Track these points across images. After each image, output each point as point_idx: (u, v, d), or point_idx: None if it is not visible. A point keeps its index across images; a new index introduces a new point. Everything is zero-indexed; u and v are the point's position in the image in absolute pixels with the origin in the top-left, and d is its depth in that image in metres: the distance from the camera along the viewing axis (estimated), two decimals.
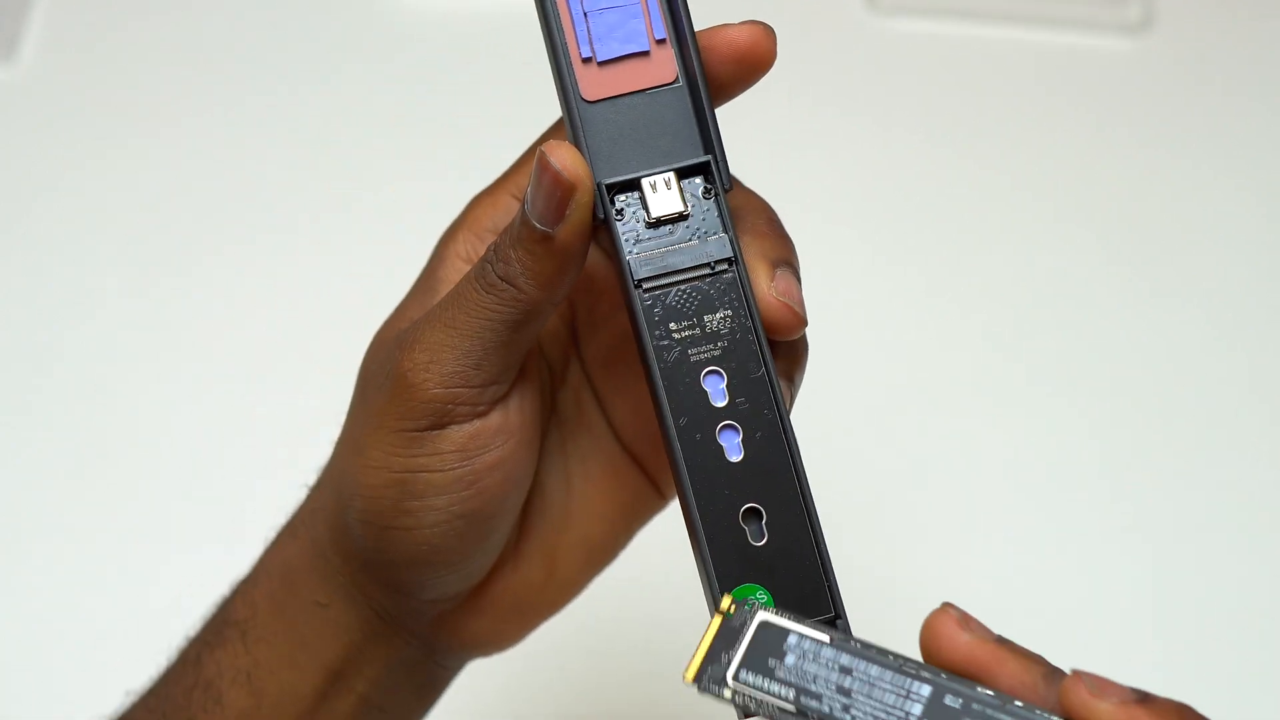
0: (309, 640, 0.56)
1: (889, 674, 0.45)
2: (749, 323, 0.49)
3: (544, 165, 0.48)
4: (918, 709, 0.44)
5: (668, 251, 0.49)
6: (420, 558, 0.52)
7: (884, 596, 0.84)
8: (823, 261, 0.95)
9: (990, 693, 0.44)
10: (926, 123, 1.00)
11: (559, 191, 0.48)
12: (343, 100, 0.99)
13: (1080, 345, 0.92)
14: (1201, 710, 0.85)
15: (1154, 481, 0.88)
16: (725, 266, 0.49)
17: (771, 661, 0.45)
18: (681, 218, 0.49)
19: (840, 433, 0.89)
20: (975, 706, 0.43)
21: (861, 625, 0.83)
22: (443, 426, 0.51)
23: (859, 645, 0.45)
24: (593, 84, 0.50)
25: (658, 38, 0.50)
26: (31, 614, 0.83)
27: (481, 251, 0.52)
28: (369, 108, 0.99)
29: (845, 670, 0.45)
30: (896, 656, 0.45)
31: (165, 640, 0.59)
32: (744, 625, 0.46)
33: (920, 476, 0.88)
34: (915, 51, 1.02)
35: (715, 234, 0.49)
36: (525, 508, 0.55)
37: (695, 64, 0.49)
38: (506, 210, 0.53)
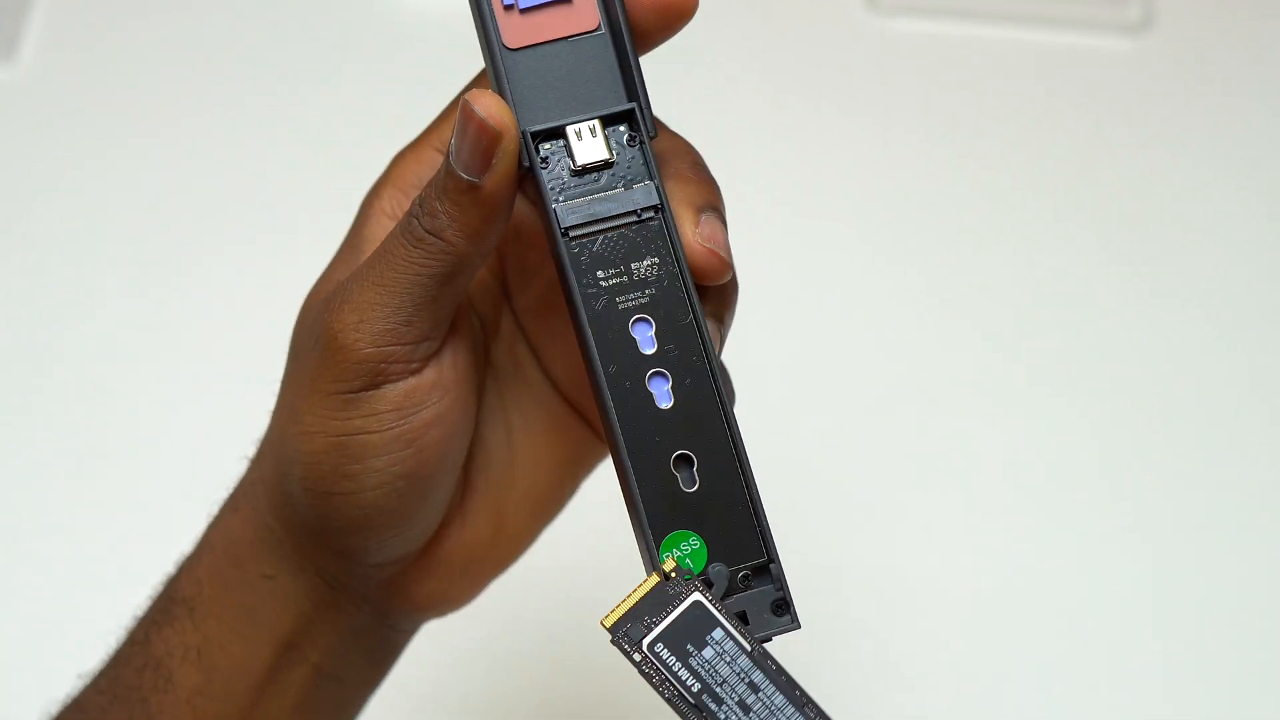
0: (257, 613, 0.55)
1: (790, 709, 0.45)
2: (676, 269, 0.49)
3: (468, 114, 0.47)
4: None
5: (593, 200, 0.49)
6: (364, 521, 0.52)
7: (884, 597, 0.84)
8: (822, 261, 0.95)
9: None
10: (926, 123, 1.00)
11: (484, 140, 0.47)
12: (343, 100, 0.99)
13: (1080, 345, 0.92)
14: (1203, 710, 0.86)
15: (1154, 481, 0.88)
16: (651, 214, 0.49)
17: (690, 647, 0.45)
18: (607, 165, 0.49)
19: (840, 432, 0.89)
20: None
21: (861, 624, 0.83)
22: (377, 386, 0.50)
23: (774, 667, 0.45)
24: (515, 31, 0.49)
25: None
26: (31, 614, 0.83)
27: (407, 207, 0.52)
28: (369, 108, 0.99)
29: (754, 687, 0.45)
30: (804, 694, 0.45)
31: None
32: (677, 597, 0.46)
33: (920, 476, 0.88)
34: (915, 51, 1.02)
35: (641, 181, 0.49)
36: (468, 464, 0.55)
37: (618, 11, 0.49)
38: (430, 164, 0.53)
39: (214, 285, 0.92)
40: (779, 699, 0.45)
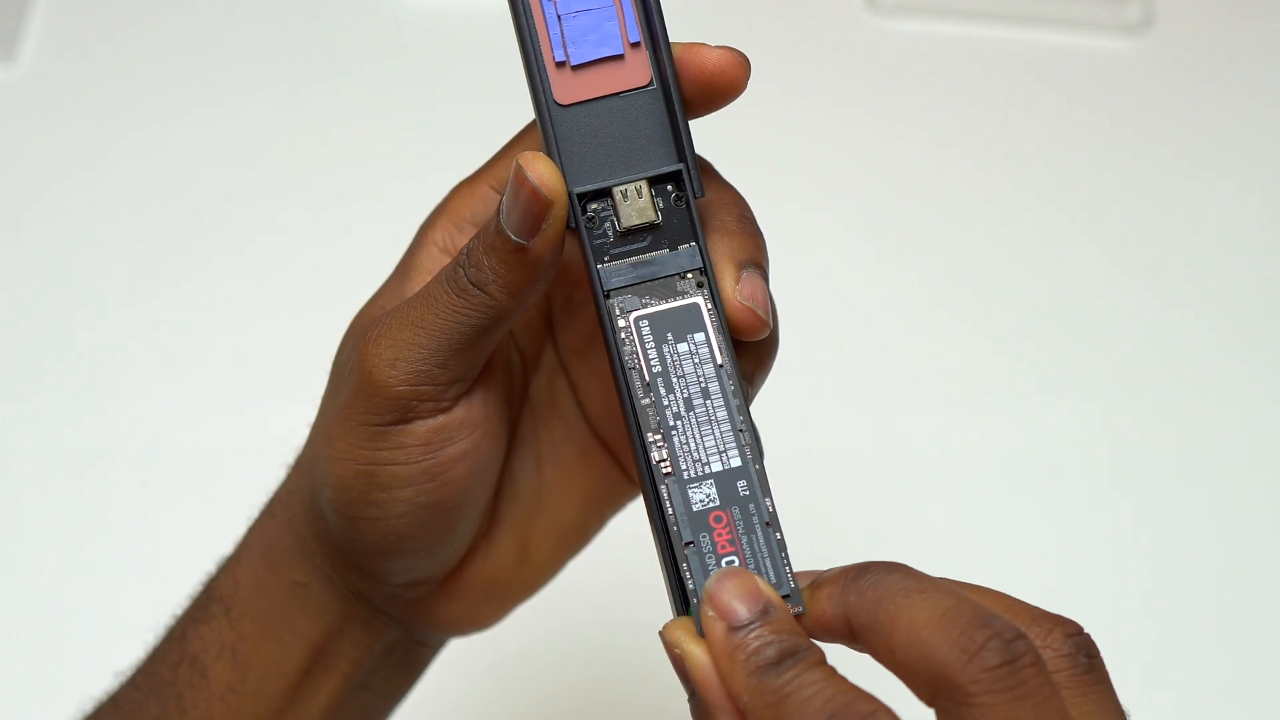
0: (290, 617, 0.56)
1: (728, 427, 0.47)
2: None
3: (521, 180, 0.48)
4: (716, 467, 0.46)
5: (637, 262, 0.49)
6: (388, 546, 0.53)
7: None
8: (822, 262, 0.95)
9: (770, 508, 0.46)
10: (926, 123, 1.00)
11: (536, 207, 0.48)
12: (343, 100, 0.99)
13: (1080, 345, 0.92)
14: (1204, 710, 0.85)
15: (1157, 481, 0.88)
16: (695, 276, 0.49)
17: (670, 336, 0.48)
18: (652, 227, 0.49)
19: (841, 432, 0.89)
20: (751, 507, 0.46)
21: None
22: (407, 421, 0.51)
23: (733, 389, 0.47)
24: (567, 88, 0.49)
25: (632, 41, 0.49)
26: (31, 614, 0.83)
27: (459, 242, 0.53)
28: (369, 107, 0.99)
29: (706, 394, 0.47)
30: (749, 424, 0.47)
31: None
32: (681, 295, 0.48)
33: (919, 476, 0.88)
34: (915, 51, 1.02)
35: (686, 242, 0.49)
36: (496, 493, 0.56)
37: (668, 69, 0.49)
38: (484, 201, 0.53)
39: (215, 285, 0.92)
40: (722, 414, 0.47)
